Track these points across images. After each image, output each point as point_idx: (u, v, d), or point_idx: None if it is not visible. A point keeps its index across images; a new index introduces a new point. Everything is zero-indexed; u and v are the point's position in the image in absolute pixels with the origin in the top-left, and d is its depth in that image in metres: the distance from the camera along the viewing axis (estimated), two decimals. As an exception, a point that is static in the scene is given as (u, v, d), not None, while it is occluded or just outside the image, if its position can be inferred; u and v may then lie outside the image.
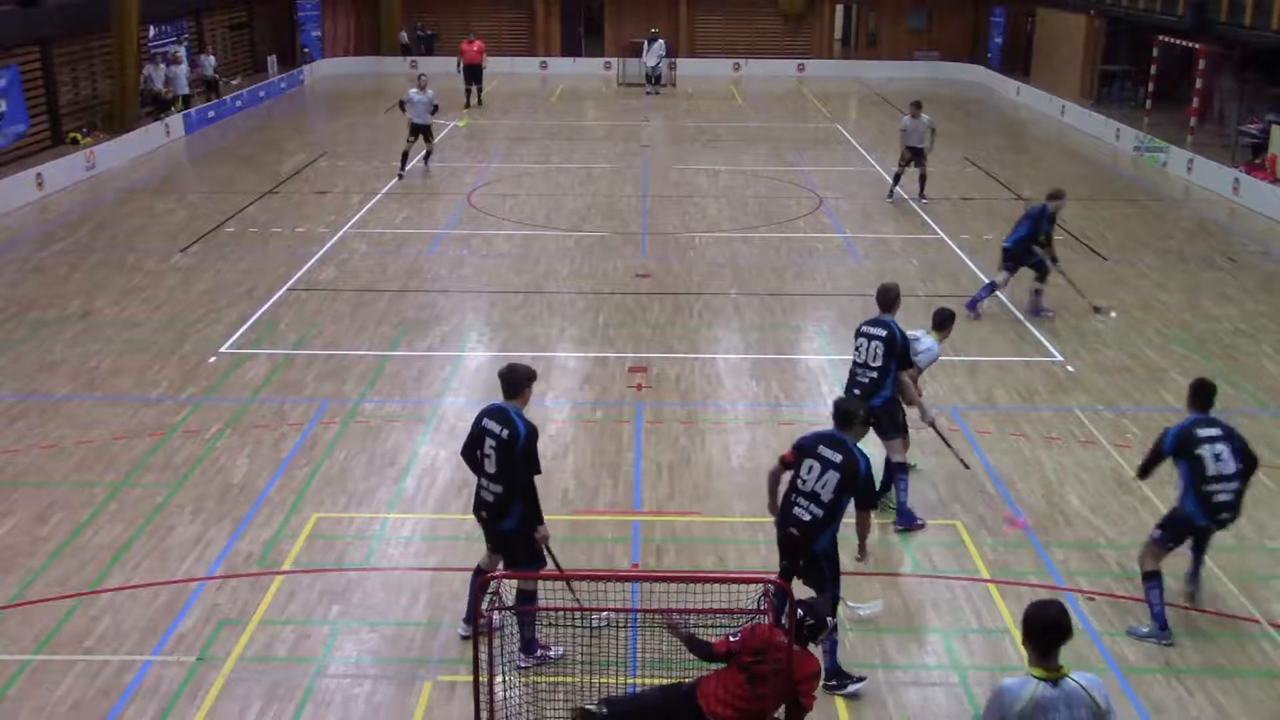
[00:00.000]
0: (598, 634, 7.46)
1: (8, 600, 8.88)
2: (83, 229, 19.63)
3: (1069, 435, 11.98)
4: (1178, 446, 8.59)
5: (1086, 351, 14.29)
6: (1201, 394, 8.88)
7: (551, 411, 12.48)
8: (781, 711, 6.85)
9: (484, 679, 6.96)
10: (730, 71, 40.97)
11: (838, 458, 7.82)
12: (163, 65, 28.38)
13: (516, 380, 7.99)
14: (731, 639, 6.88)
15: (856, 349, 10.05)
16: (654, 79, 36.64)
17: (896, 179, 22.03)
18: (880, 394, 9.87)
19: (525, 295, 16.27)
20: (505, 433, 7.85)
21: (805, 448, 7.97)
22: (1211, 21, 25.59)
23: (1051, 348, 14.38)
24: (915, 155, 21.30)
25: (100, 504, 10.34)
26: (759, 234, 19.60)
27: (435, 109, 23.32)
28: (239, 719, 7.61)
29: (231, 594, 9.00)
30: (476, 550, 9.63)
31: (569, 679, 7.72)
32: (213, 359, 13.80)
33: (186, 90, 29.13)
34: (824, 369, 13.71)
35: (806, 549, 7.86)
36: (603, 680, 7.37)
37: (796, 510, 7.85)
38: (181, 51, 30.11)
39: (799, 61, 41.52)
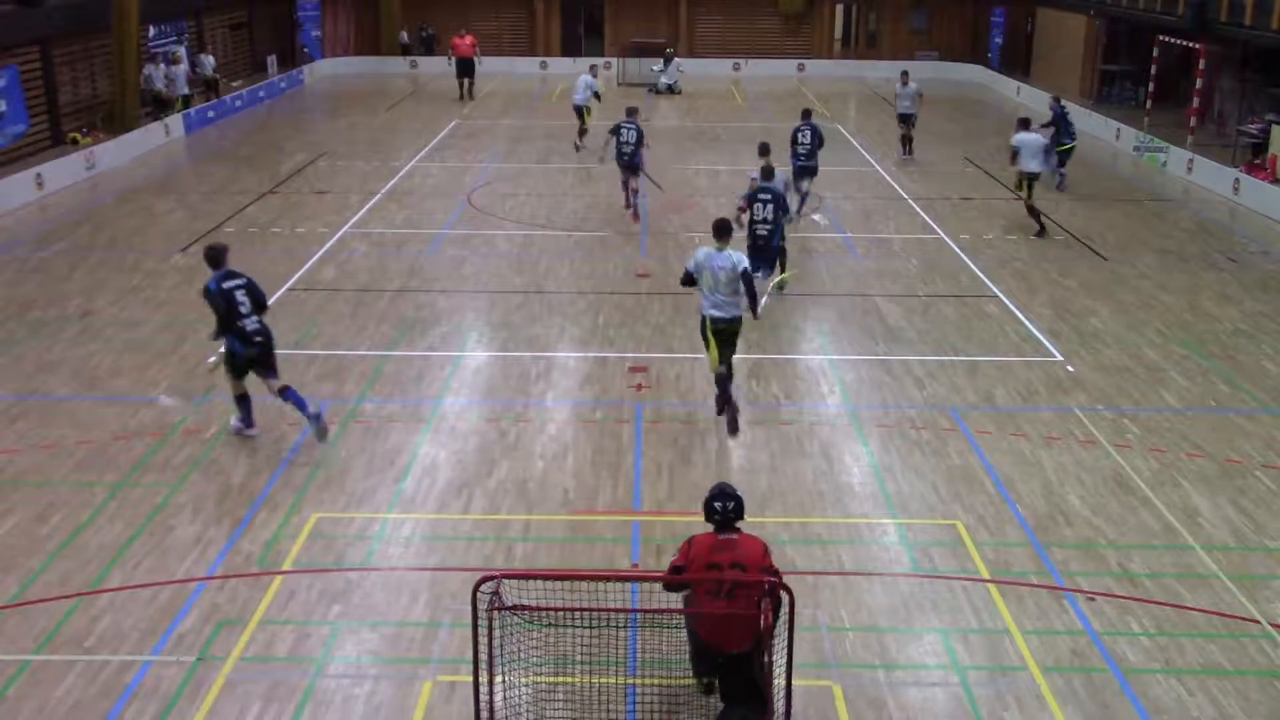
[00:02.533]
0: (597, 633, 7.44)
1: (8, 600, 8.88)
2: (83, 229, 19.64)
3: (1069, 435, 11.98)
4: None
5: (1086, 351, 14.29)
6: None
7: (551, 411, 12.48)
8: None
9: (484, 679, 6.97)
10: (730, 71, 40.98)
11: (769, 195, 15.29)
12: (163, 65, 28.38)
13: (219, 254, 11.31)
14: (675, 560, 7.40)
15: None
16: (669, 91, 37.04)
17: (904, 141, 26.08)
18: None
19: (525, 295, 16.27)
20: (243, 280, 11.26)
21: (751, 198, 15.36)
22: (1211, 21, 25.59)
23: (1051, 348, 14.38)
24: (906, 120, 25.63)
25: (100, 504, 10.35)
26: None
27: (596, 95, 25.95)
28: (239, 719, 7.61)
29: (231, 594, 9.00)
30: (476, 550, 9.68)
31: (569, 679, 7.73)
32: (213, 359, 13.75)
33: (186, 90, 29.13)
34: (824, 369, 13.71)
35: (769, 246, 15.39)
36: (603, 680, 7.38)
37: (759, 229, 15.28)
38: (182, 51, 30.11)
39: (799, 61, 41.52)
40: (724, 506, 7.32)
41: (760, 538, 7.38)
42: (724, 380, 11.69)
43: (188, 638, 8.43)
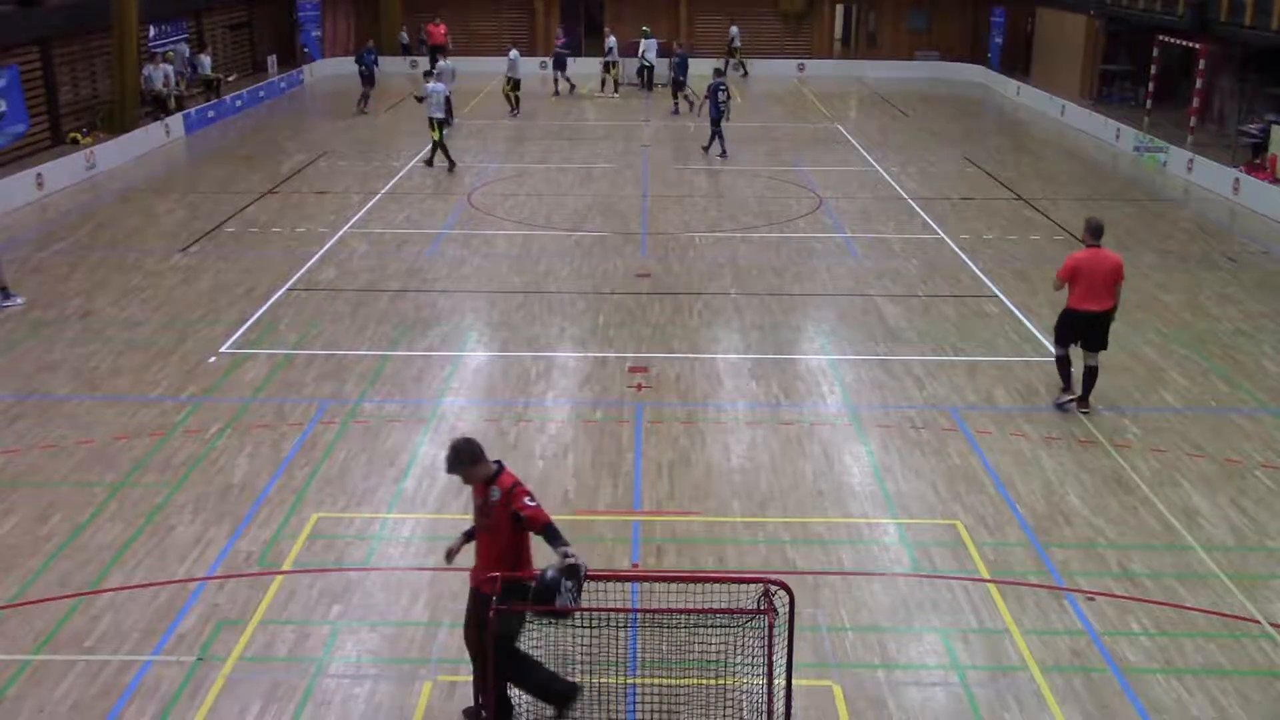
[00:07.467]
0: (597, 633, 7.44)
1: (8, 600, 8.89)
2: (83, 229, 19.64)
3: (1069, 435, 11.98)
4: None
5: (1086, 351, 14.27)
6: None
7: (551, 411, 12.48)
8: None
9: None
10: (730, 71, 40.89)
11: (725, 87, 25.17)
12: (163, 65, 28.36)
13: None
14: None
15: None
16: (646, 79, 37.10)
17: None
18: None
19: (525, 295, 16.27)
20: None
21: (714, 90, 25.21)
22: (1211, 21, 25.58)
23: (1052, 348, 14.35)
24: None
25: (100, 504, 10.35)
26: (759, 234, 19.61)
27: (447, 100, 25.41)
28: (239, 719, 7.62)
29: (231, 594, 9.00)
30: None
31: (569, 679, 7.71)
32: (213, 359, 13.80)
33: (181, 89, 29.10)
34: (824, 369, 13.71)
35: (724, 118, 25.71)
36: (603, 680, 7.37)
37: (723, 108, 25.32)
38: (183, 51, 30.10)
39: (799, 61, 41.50)
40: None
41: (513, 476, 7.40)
42: (443, 148, 23.84)
43: (188, 638, 8.43)
